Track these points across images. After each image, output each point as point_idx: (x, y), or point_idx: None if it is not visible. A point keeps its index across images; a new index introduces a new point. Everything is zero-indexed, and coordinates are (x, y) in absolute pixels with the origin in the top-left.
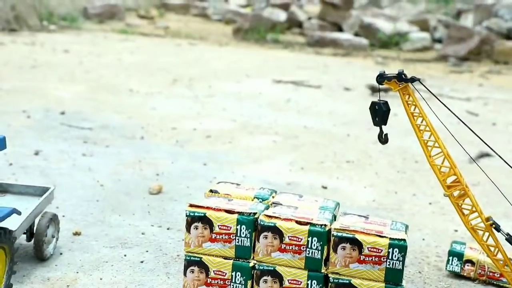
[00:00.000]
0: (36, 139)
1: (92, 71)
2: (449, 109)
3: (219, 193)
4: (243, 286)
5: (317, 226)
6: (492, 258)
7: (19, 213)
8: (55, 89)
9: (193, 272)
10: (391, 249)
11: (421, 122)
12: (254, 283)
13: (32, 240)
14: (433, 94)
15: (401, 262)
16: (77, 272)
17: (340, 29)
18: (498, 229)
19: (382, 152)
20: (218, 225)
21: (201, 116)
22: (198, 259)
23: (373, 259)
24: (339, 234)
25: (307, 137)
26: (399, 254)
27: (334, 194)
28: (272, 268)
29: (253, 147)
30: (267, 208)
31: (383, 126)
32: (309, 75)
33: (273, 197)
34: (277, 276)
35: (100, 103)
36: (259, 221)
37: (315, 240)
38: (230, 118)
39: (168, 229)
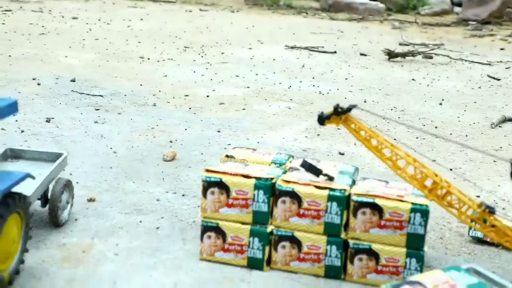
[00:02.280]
0: (47, 106)
1: (101, 38)
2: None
3: (235, 158)
4: (261, 251)
5: (336, 190)
6: (502, 242)
7: (33, 177)
8: (64, 56)
9: (210, 237)
10: (413, 213)
11: (376, 142)
12: (272, 249)
13: (47, 206)
14: (376, 114)
15: (423, 227)
16: (93, 238)
17: None
18: (493, 211)
19: (401, 118)
20: (235, 190)
21: (214, 83)
22: (215, 224)
23: (394, 224)
24: (359, 199)
25: (323, 103)
26: (421, 218)
27: (352, 161)
28: (291, 234)
29: (267, 113)
30: (284, 173)
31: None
32: (323, 41)
33: (290, 162)
34: (295, 241)
35: (111, 70)
36: (276, 186)
37: (334, 205)
38: (244, 85)
39: (183, 195)
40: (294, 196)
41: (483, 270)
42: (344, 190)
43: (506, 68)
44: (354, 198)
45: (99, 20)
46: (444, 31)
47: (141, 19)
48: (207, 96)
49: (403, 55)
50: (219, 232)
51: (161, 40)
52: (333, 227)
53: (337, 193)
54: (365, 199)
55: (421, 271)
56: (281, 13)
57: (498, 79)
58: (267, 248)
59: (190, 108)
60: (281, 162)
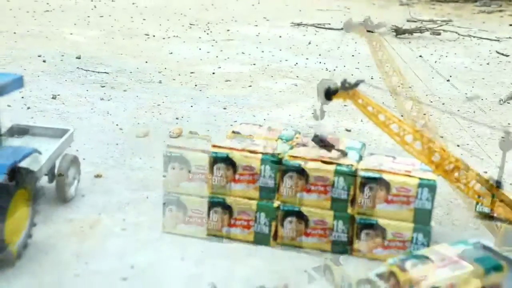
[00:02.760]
0: (53, 83)
1: (106, 16)
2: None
3: (241, 134)
4: (267, 227)
5: (343, 166)
6: (509, 217)
7: (39, 153)
8: (69, 33)
9: (217, 213)
10: (420, 188)
11: (384, 118)
12: (279, 224)
13: (54, 182)
14: (383, 89)
15: (430, 202)
16: (100, 214)
17: None
18: (500, 186)
19: (408, 94)
20: (242, 166)
21: (219, 60)
22: (222, 200)
23: (401, 199)
24: (366, 174)
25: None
26: (428, 193)
27: (359, 137)
28: (297, 209)
29: (274, 90)
30: (291, 148)
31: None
32: (330, 18)
33: (297, 138)
34: (302, 216)
35: (116, 48)
36: (283, 162)
37: (341, 180)
38: (250, 62)
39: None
40: (301, 172)
41: (490, 244)
42: (351, 165)
43: None
44: (361, 173)
45: None
46: (452, 7)
47: None
48: (213, 73)
49: (411, 31)
50: (226, 207)
51: (166, 17)
52: (340, 202)
53: (344, 168)
54: (372, 174)
55: (428, 246)
56: None
57: (507, 55)
58: (273, 223)
59: (196, 85)
60: (288, 138)
